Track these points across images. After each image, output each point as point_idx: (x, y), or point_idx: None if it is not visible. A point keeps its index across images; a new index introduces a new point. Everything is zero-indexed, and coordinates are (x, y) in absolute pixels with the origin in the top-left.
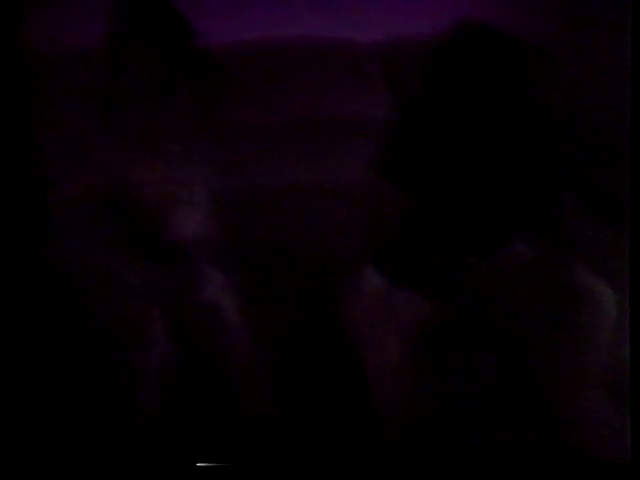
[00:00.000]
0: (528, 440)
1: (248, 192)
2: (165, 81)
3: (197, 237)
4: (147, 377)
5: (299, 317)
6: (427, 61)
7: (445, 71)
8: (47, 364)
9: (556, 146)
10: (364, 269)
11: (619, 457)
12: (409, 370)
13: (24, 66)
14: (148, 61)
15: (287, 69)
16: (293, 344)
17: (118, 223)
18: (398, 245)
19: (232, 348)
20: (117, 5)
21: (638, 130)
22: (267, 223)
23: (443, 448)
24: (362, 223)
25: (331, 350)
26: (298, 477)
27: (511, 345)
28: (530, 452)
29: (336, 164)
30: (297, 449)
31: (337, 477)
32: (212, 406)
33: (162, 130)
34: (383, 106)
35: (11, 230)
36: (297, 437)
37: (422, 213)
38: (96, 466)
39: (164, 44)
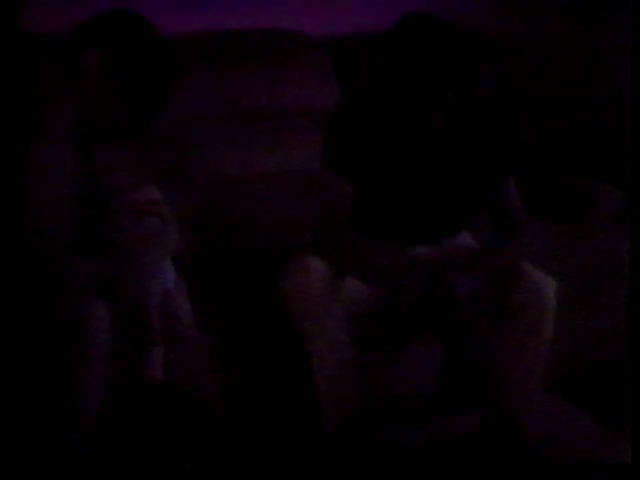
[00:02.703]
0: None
1: (199, 178)
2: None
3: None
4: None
5: (245, 303)
6: (376, 52)
7: (391, 62)
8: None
9: (504, 136)
10: (310, 256)
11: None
12: (353, 357)
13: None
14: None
15: (238, 60)
16: (239, 331)
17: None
18: (344, 233)
19: (181, 335)
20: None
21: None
22: (216, 210)
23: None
24: (309, 211)
25: (275, 338)
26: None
27: (455, 331)
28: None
29: (284, 153)
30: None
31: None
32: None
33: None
34: (333, 97)
35: None
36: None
37: (368, 201)
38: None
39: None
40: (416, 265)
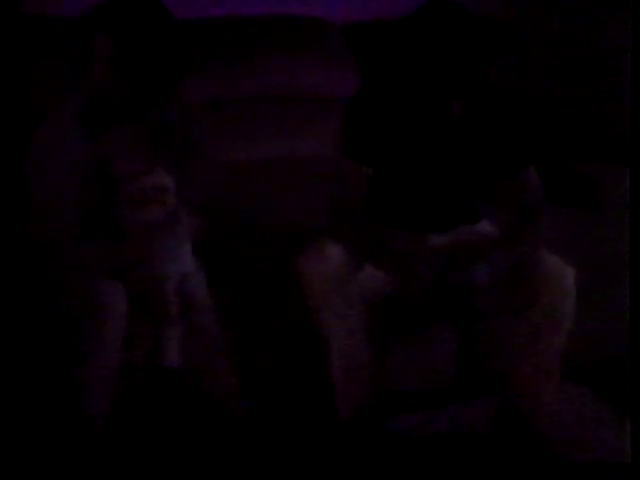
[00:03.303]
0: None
1: (218, 165)
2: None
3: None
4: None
5: (262, 289)
6: (396, 38)
7: (413, 48)
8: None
9: (523, 127)
10: (326, 242)
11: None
12: (370, 343)
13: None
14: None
15: (257, 46)
16: (255, 316)
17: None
18: (360, 219)
19: (198, 320)
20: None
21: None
22: (234, 196)
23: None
24: (326, 198)
25: (291, 323)
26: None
27: (472, 319)
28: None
29: (303, 139)
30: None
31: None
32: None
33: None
34: (351, 83)
35: None
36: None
37: (386, 188)
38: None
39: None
40: (432, 253)
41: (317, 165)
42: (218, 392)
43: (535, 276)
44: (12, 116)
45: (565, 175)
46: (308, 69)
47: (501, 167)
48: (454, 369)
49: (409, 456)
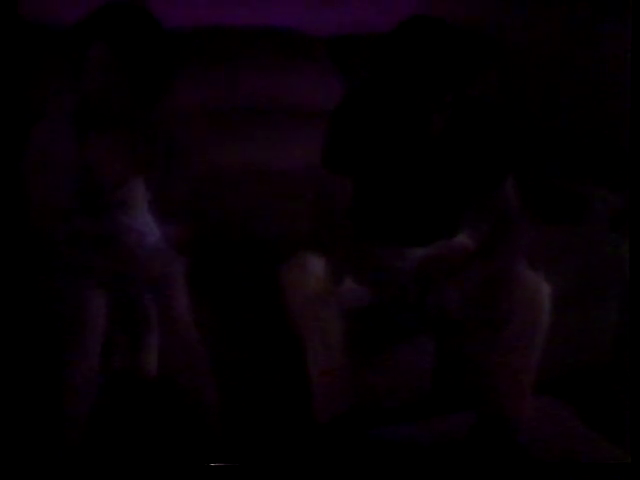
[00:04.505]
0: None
1: (199, 174)
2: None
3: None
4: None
5: (242, 300)
6: (378, 53)
7: (393, 63)
8: None
9: (503, 138)
10: (308, 254)
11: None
12: (349, 354)
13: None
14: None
15: (241, 57)
16: (234, 324)
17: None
18: (342, 232)
19: (176, 328)
20: None
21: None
22: (217, 206)
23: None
24: (308, 210)
25: (271, 332)
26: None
27: (448, 333)
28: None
29: (285, 151)
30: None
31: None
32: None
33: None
34: (334, 96)
35: None
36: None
37: (366, 201)
38: None
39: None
40: (411, 267)
41: (300, 177)
42: (197, 400)
43: (511, 290)
44: (10, 116)
45: (549, 192)
46: (292, 81)
47: (480, 181)
48: (432, 382)
49: (386, 466)
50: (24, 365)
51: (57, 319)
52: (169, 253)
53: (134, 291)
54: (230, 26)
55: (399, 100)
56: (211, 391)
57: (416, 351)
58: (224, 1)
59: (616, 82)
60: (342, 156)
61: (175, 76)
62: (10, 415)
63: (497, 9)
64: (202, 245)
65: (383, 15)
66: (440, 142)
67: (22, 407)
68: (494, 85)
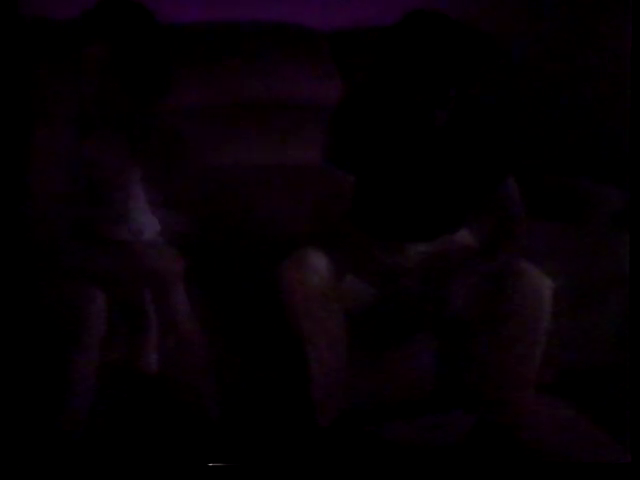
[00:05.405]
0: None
1: (201, 171)
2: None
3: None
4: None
5: (242, 298)
6: (380, 47)
7: (396, 58)
8: None
9: (505, 136)
10: (309, 252)
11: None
12: (350, 353)
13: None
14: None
15: (241, 53)
16: (235, 323)
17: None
18: (345, 229)
19: (176, 327)
20: None
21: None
22: (219, 203)
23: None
24: (311, 206)
25: (272, 331)
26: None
27: (450, 330)
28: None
29: (288, 147)
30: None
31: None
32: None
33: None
34: (334, 92)
35: None
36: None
37: (368, 197)
38: None
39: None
40: (414, 263)
41: (302, 173)
42: (197, 400)
43: (513, 287)
44: (12, 116)
45: (550, 189)
46: (293, 77)
47: (482, 177)
48: (433, 380)
49: (386, 466)
50: (24, 363)
51: (57, 317)
52: (169, 252)
53: (133, 289)
54: (229, 22)
55: (402, 94)
56: (211, 390)
57: (417, 349)
58: None
59: (616, 82)
60: (345, 151)
61: (173, 73)
62: (10, 413)
63: (497, 9)
64: (202, 243)
65: (385, 11)
66: (443, 137)
67: (23, 405)
68: (494, 84)
